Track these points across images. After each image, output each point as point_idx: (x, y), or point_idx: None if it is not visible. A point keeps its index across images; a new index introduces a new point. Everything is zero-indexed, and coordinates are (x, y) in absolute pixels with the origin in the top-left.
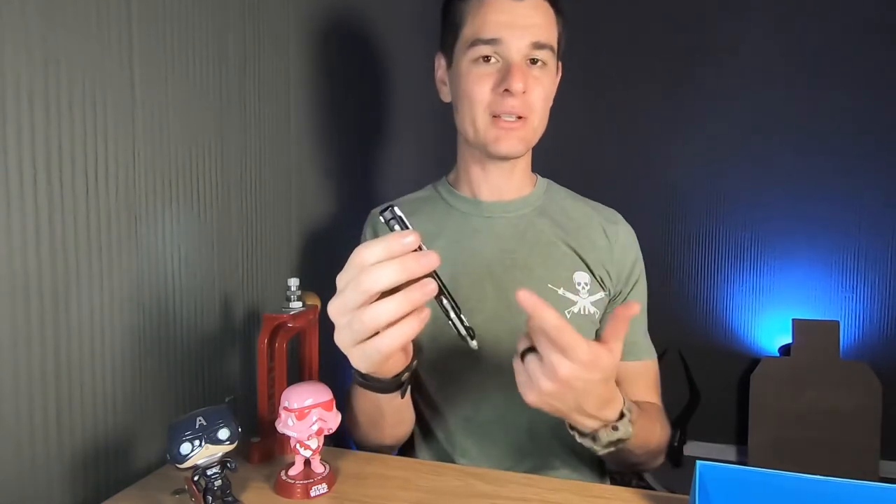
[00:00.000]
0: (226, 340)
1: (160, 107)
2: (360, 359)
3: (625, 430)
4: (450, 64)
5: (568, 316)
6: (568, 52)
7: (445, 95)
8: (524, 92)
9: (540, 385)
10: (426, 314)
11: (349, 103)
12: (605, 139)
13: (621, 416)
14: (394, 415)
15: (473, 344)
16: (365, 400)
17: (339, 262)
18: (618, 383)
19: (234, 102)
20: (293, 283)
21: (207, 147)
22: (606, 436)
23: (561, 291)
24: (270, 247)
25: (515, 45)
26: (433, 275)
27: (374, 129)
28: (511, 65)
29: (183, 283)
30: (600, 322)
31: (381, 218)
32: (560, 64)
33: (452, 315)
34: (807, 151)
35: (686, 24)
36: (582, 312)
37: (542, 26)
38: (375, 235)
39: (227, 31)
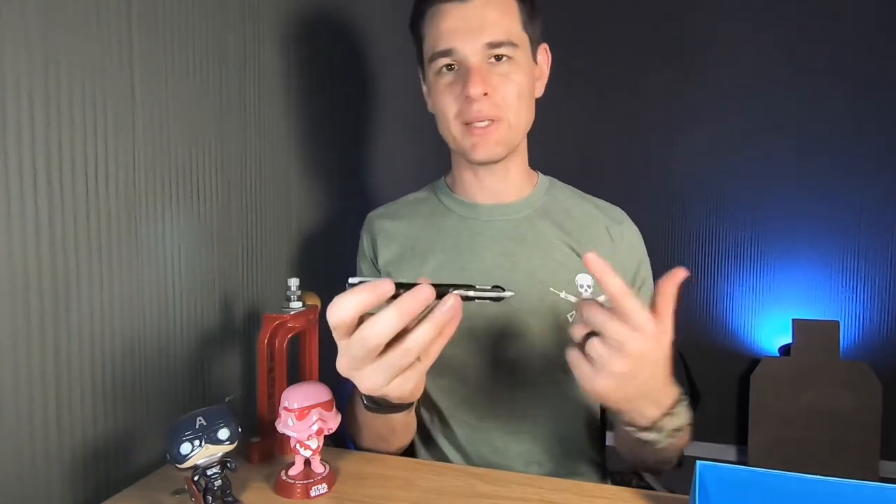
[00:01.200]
0: (226, 340)
1: (160, 107)
2: (396, 390)
3: (683, 414)
4: (423, 78)
5: (570, 319)
6: (569, 50)
7: (431, 107)
8: (486, 94)
9: (612, 367)
10: (453, 326)
11: (349, 103)
12: (606, 139)
13: (676, 403)
14: (404, 427)
15: (508, 293)
16: (375, 420)
17: (339, 262)
18: None
19: (234, 102)
20: (293, 283)
21: (207, 147)
22: (669, 423)
23: (563, 295)
24: (270, 247)
25: (469, 49)
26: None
27: (375, 129)
28: (468, 70)
29: (183, 283)
30: None
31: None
32: (545, 48)
33: (473, 293)
34: (807, 151)
35: (686, 23)
36: None
37: (496, 22)
38: (372, 239)
39: (227, 31)
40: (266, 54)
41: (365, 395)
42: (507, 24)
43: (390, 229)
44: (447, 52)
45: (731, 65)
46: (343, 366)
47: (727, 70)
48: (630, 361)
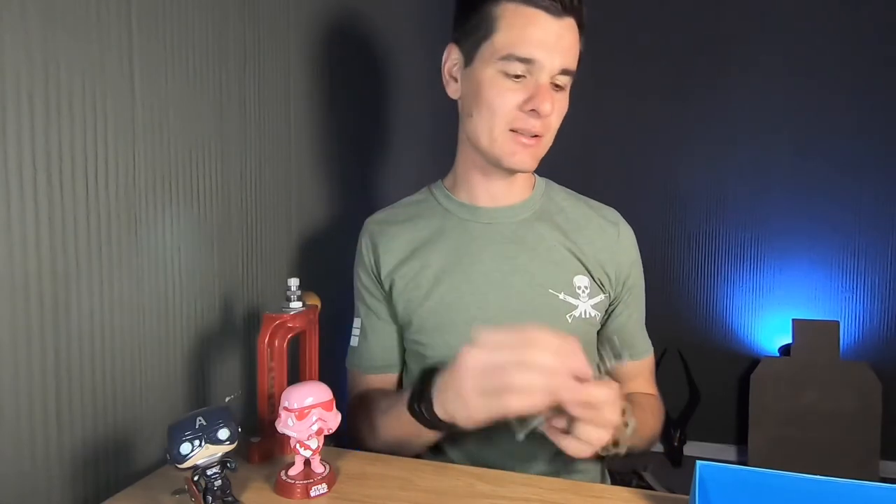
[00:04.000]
0: (226, 340)
1: (160, 107)
2: (478, 409)
3: (632, 421)
4: (468, 62)
5: (569, 320)
6: None
7: (454, 91)
8: (549, 114)
9: (595, 439)
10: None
11: (349, 103)
12: (606, 139)
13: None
14: (426, 441)
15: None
16: (408, 431)
17: (339, 262)
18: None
19: (234, 102)
20: (293, 283)
21: (207, 147)
22: (625, 434)
23: (562, 296)
24: (270, 247)
25: (548, 67)
26: None
27: (374, 129)
28: (540, 86)
29: (183, 283)
30: (602, 324)
31: None
32: None
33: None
34: (807, 151)
35: (687, 25)
36: (583, 316)
37: (571, 50)
38: (372, 245)
39: (227, 31)
40: (266, 54)
41: (426, 412)
42: (576, 52)
43: (391, 234)
44: (528, 61)
45: (732, 65)
46: (476, 358)
47: (727, 70)
48: (609, 416)
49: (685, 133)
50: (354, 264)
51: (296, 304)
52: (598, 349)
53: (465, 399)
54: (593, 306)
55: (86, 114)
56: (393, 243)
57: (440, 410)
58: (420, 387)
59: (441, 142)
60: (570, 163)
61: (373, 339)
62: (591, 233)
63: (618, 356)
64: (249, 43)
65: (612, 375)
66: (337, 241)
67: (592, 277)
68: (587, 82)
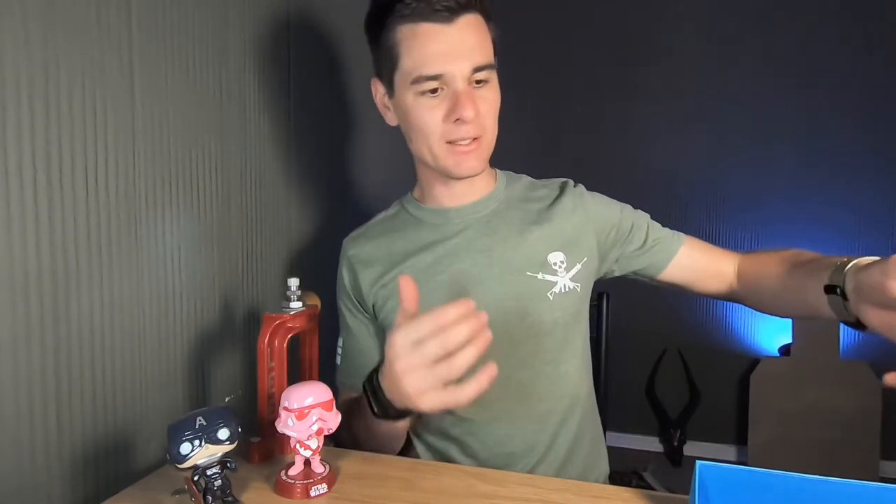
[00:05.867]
0: (226, 340)
1: (160, 107)
2: (431, 400)
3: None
4: (391, 92)
5: (551, 297)
6: (569, 52)
7: (391, 120)
8: (475, 116)
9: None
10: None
11: (349, 103)
12: (606, 139)
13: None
14: (401, 432)
15: None
16: (384, 427)
17: (339, 262)
18: (687, 279)
19: (234, 102)
20: (293, 283)
21: (207, 147)
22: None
23: (540, 276)
24: (270, 247)
25: (459, 74)
26: None
27: (374, 129)
28: (458, 94)
29: (183, 283)
30: (628, 272)
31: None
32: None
33: None
34: (807, 151)
35: (687, 23)
36: (563, 290)
37: (479, 46)
38: (351, 272)
39: (227, 31)
40: (266, 54)
41: (377, 405)
42: (485, 45)
43: (367, 252)
44: (436, 77)
45: (732, 65)
46: (405, 363)
47: (728, 70)
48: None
49: (685, 133)
50: (336, 288)
51: (296, 304)
52: None
53: (398, 378)
54: (572, 278)
55: (86, 114)
56: (371, 261)
57: (393, 397)
58: (371, 384)
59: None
60: (570, 162)
61: (355, 358)
62: (559, 205)
63: None
64: (249, 43)
65: (671, 282)
66: (337, 241)
67: (568, 249)
68: (587, 82)
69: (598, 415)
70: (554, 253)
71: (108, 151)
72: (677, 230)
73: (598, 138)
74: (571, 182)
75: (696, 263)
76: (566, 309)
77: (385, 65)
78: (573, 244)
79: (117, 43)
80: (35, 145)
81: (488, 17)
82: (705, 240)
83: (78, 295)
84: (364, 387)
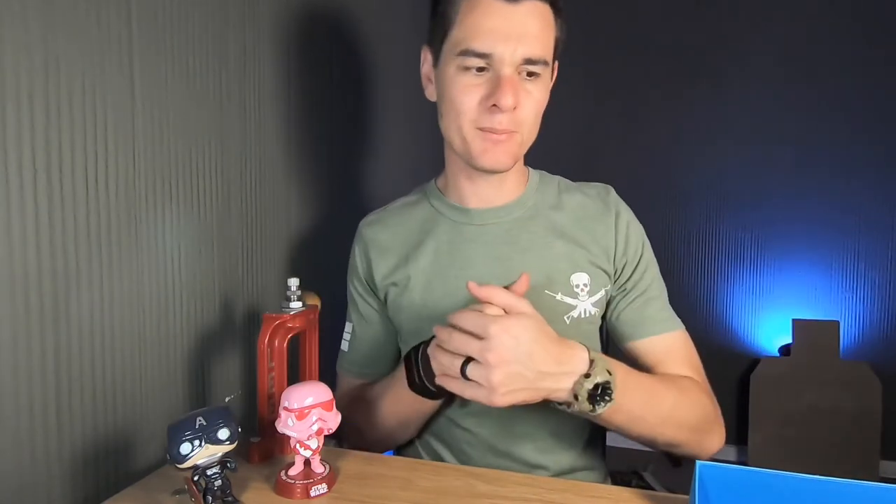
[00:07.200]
0: (226, 340)
1: (160, 107)
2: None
3: (600, 374)
4: (436, 62)
5: (567, 321)
6: (570, 51)
7: (431, 94)
8: (514, 108)
9: (491, 379)
10: None
11: (349, 103)
12: (606, 139)
13: (592, 363)
14: (428, 413)
15: None
16: (408, 406)
17: (339, 262)
18: (644, 363)
19: (234, 102)
20: (293, 283)
21: (207, 147)
22: (583, 386)
23: (559, 297)
24: (270, 247)
25: (509, 59)
26: None
27: (375, 128)
28: (501, 78)
29: (183, 283)
30: (608, 317)
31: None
32: (556, 64)
33: None
34: (807, 151)
35: (687, 24)
36: (582, 316)
37: (537, 37)
38: (365, 256)
39: (227, 31)
40: (266, 54)
41: (421, 387)
42: (545, 38)
43: (383, 240)
44: (484, 56)
45: (733, 66)
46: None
47: (728, 71)
48: (499, 361)
49: (685, 133)
50: (348, 271)
51: (296, 304)
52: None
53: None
54: (593, 304)
55: (86, 114)
56: (387, 249)
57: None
58: (413, 361)
59: (441, 139)
60: (570, 162)
61: (363, 345)
62: (590, 222)
63: None
64: (249, 43)
65: (631, 357)
66: (337, 241)
67: (593, 270)
68: (587, 82)
69: None
70: (578, 274)
71: (108, 151)
72: (677, 230)
73: (598, 138)
74: (613, 192)
75: (648, 351)
76: (581, 335)
77: (438, 31)
78: (599, 267)
79: (117, 43)
80: (35, 145)
81: (558, 12)
82: (705, 240)
83: (78, 294)
84: (413, 357)
